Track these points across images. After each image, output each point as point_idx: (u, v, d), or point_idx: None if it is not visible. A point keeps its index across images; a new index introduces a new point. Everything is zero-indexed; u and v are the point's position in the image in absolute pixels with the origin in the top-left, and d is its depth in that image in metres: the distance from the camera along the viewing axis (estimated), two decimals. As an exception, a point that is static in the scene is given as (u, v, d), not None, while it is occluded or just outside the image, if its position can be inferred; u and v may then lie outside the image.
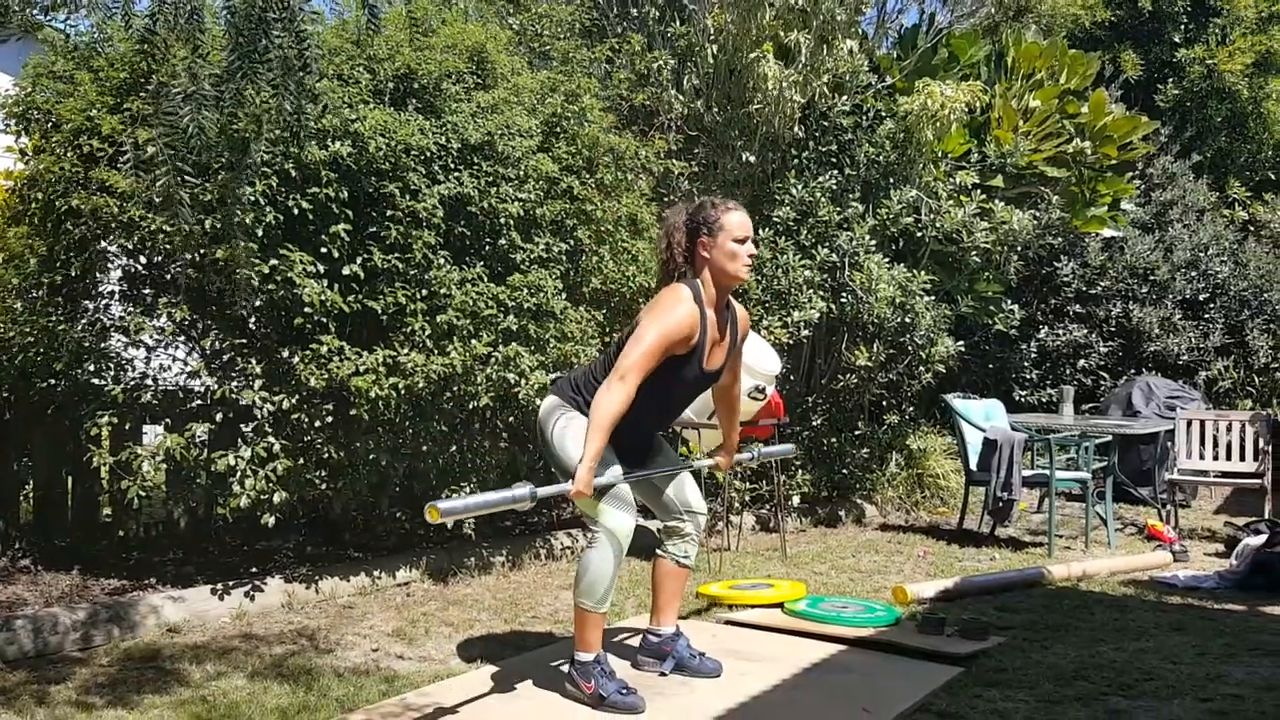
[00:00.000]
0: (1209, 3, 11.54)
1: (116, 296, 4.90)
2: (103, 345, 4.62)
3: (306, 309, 4.36)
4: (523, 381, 4.72)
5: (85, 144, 4.41)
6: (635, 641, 3.74)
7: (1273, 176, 11.38)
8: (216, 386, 4.44)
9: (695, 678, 3.50)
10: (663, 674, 3.50)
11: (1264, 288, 9.43)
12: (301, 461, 4.53)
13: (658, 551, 3.57)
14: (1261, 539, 5.26)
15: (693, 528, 3.52)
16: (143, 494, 4.29)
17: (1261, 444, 7.03)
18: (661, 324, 3.14)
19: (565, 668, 3.34)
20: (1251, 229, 10.25)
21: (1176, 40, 11.60)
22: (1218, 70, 11.02)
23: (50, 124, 4.62)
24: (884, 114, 7.26)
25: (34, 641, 3.68)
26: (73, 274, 4.54)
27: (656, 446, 3.56)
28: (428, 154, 4.73)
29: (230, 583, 4.37)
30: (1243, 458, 7.13)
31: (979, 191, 7.32)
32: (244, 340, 4.61)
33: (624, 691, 3.18)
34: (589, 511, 3.24)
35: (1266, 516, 6.53)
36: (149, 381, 4.73)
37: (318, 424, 4.49)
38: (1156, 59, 11.59)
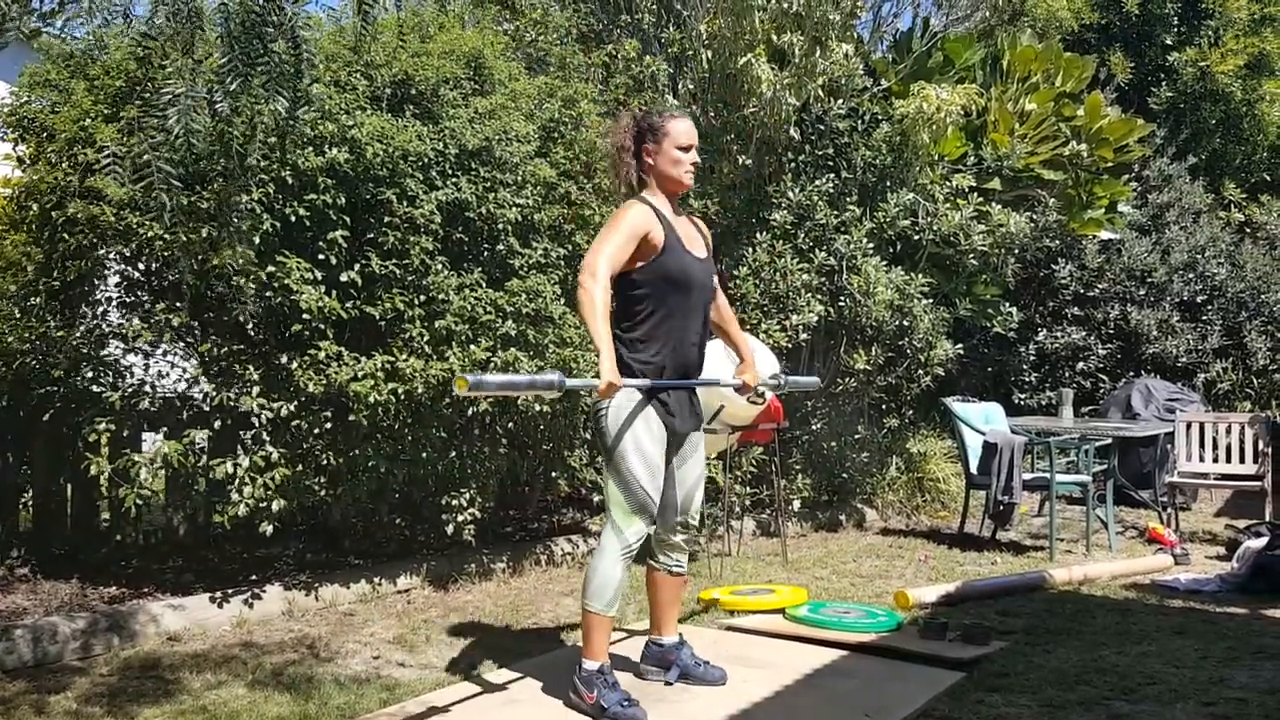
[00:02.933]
0: (1201, 5, 11.56)
1: (114, 303, 4.89)
2: (101, 352, 4.61)
3: (304, 315, 4.35)
4: (522, 387, 4.70)
5: (80, 153, 4.40)
6: (636, 650, 3.72)
7: (1268, 178, 11.40)
8: (215, 393, 4.43)
9: (699, 685, 3.48)
10: (668, 683, 3.48)
11: (1261, 289, 9.44)
12: (300, 468, 4.51)
13: (650, 563, 3.53)
14: (1263, 541, 5.25)
15: (683, 537, 3.49)
16: (141, 501, 4.28)
17: (1261, 446, 7.03)
18: (614, 222, 3.24)
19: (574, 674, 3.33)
20: (1248, 230, 10.27)
21: (1169, 43, 11.62)
22: (1211, 72, 11.04)
23: (45, 134, 4.61)
24: (880, 117, 7.26)
25: (33, 651, 3.66)
26: (70, 281, 4.53)
27: (695, 443, 3.50)
28: (425, 160, 4.72)
29: (230, 591, 4.35)
30: (1242, 460, 7.12)
31: (976, 194, 7.32)
32: (242, 346, 4.60)
33: (625, 704, 3.16)
34: (614, 506, 3.23)
35: (1267, 519, 6.53)
36: (147, 388, 4.72)
37: (316, 430, 4.48)
38: (1149, 62, 11.61)
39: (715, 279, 3.56)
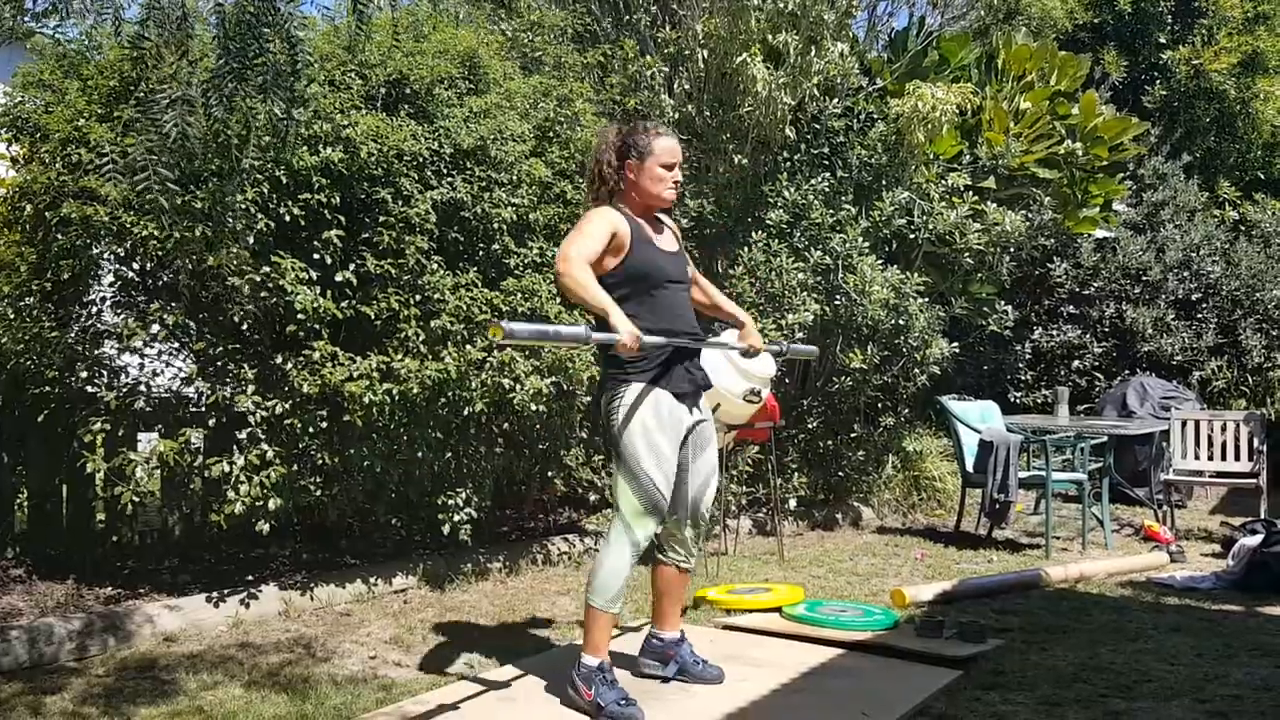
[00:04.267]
0: (1194, 3, 11.57)
1: (109, 303, 4.88)
2: (96, 351, 4.60)
3: (299, 315, 4.35)
4: (518, 386, 4.70)
5: (74, 153, 4.39)
6: (634, 646, 3.72)
7: (1262, 176, 11.41)
8: (210, 393, 4.42)
9: (696, 683, 3.48)
10: (666, 679, 3.49)
11: (1256, 287, 9.45)
12: (296, 468, 4.51)
13: (658, 557, 3.55)
14: (1258, 539, 5.26)
15: (693, 534, 3.50)
16: (137, 500, 4.27)
17: (1256, 443, 7.04)
18: (579, 224, 3.27)
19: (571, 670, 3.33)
20: (1242, 229, 10.28)
21: (1162, 41, 11.63)
22: (1205, 71, 11.05)
23: (39, 134, 4.60)
24: (875, 116, 7.26)
25: (29, 652, 3.65)
26: (64, 280, 4.52)
27: (707, 438, 3.50)
28: (420, 159, 4.72)
29: (226, 591, 4.35)
30: (1237, 457, 7.14)
31: (971, 193, 7.32)
32: (237, 346, 4.60)
33: (623, 702, 3.16)
34: (624, 505, 3.23)
35: (1262, 516, 6.54)
36: (142, 388, 4.71)
37: (311, 430, 4.47)
38: (1143, 60, 11.62)
39: (690, 269, 3.55)
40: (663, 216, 3.53)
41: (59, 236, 4.40)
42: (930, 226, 7.05)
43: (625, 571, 3.22)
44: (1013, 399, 9.37)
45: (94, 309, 4.84)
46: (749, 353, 3.59)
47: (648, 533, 3.25)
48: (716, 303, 3.72)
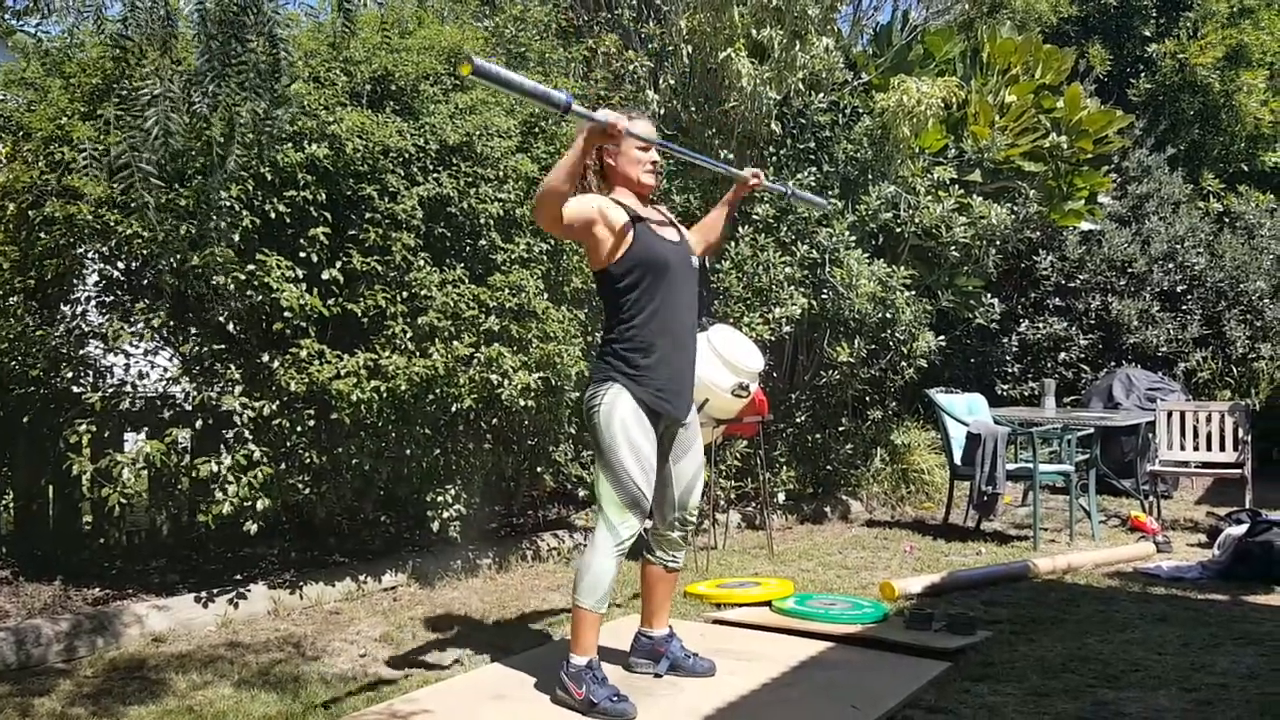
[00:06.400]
0: (1179, -3, 11.63)
1: (93, 303, 4.85)
2: (80, 351, 4.57)
3: (286, 313, 4.33)
4: (506, 382, 4.70)
5: (57, 151, 4.36)
6: (625, 642, 3.72)
7: (1245, 168, 11.45)
8: (196, 392, 4.40)
9: (688, 678, 3.49)
10: (658, 675, 3.49)
11: (1240, 278, 9.50)
12: (284, 467, 4.50)
13: (646, 557, 3.56)
14: (1243, 528, 5.29)
15: (680, 534, 3.51)
16: (124, 502, 4.25)
17: (1240, 434, 7.08)
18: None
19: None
20: (1226, 220, 10.32)
21: (1147, 34, 11.67)
22: (1189, 64, 11.09)
23: (21, 133, 4.57)
24: (861, 111, 7.28)
25: (16, 654, 3.63)
26: (47, 280, 4.50)
27: (692, 437, 3.49)
28: (406, 155, 4.71)
29: (215, 590, 4.33)
30: (1223, 448, 7.18)
31: (957, 186, 7.34)
32: (223, 345, 4.58)
33: (614, 698, 3.16)
34: (606, 504, 3.23)
35: (1247, 506, 6.59)
36: (128, 388, 4.69)
37: (299, 429, 4.46)
38: (1128, 54, 11.66)
39: (695, 259, 3.53)
40: (661, 209, 3.52)
41: (42, 235, 4.38)
42: (916, 220, 7.07)
43: (611, 571, 3.22)
44: (1000, 391, 9.40)
45: (79, 308, 4.82)
46: (750, 183, 3.67)
47: (632, 530, 3.24)
48: (718, 217, 3.74)
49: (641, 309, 3.25)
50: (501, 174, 5.03)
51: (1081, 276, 9.61)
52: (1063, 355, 9.50)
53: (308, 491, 4.62)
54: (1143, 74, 11.48)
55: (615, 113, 3.05)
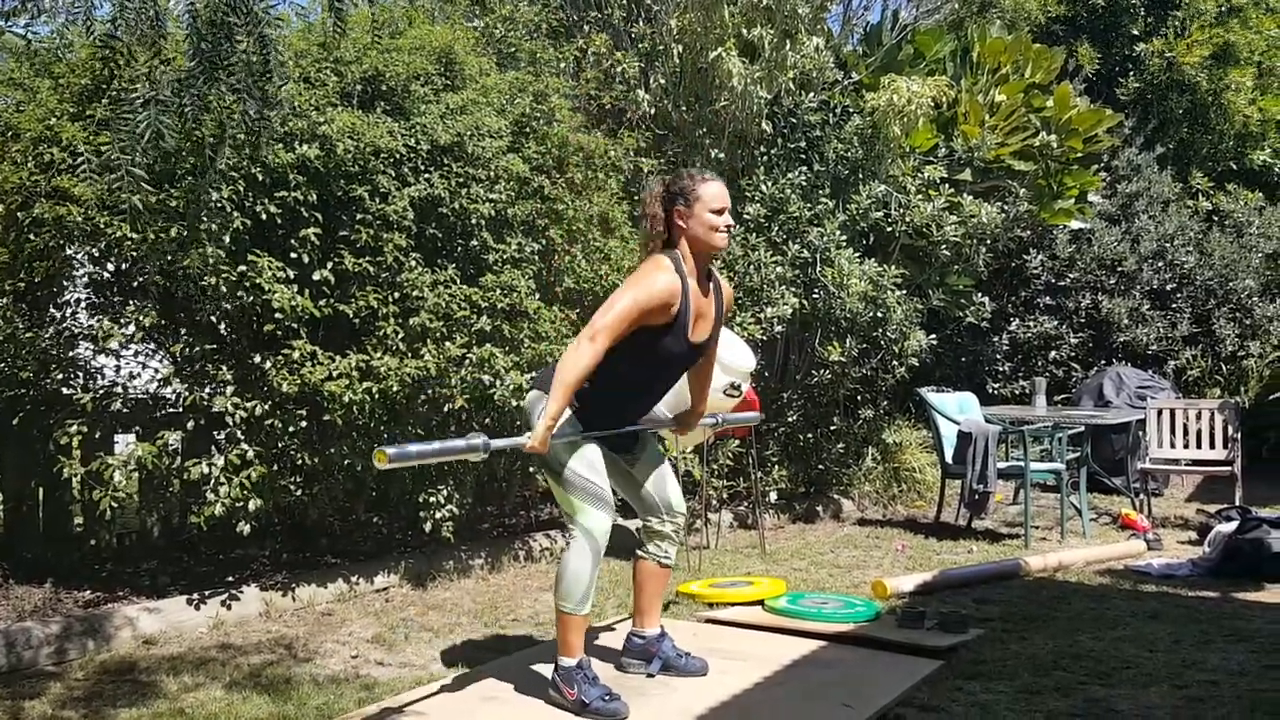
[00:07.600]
0: (1168, -4, 11.67)
1: (84, 304, 4.83)
2: (70, 353, 4.55)
3: (277, 314, 4.32)
4: (498, 382, 4.70)
5: (46, 153, 4.34)
6: (617, 642, 3.73)
7: (1234, 166, 11.49)
8: (188, 394, 4.39)
9: (680, 677, 3.49)
10: (650, 675, 3.49)
11: (1229, 276, 9.53)
12: (275, 468, 4.49)
13: (638, 553, 3.56)
14: (1233, 525, 5.31)
15: (673, 528, 3.51)
16: (115, 504, 4.23)
17: (1230, 431, 7.11)
18: (638, 289, 3.13)
19: (549, 673, 3.32)
20: (1215, 219, 10.36)
21: (1135, 34, 11.71)
22: (1177, 63, 11.12)
23: (10, 133, 4.55)
24: (851, 110, 7.28)
25: (7, 656, 3.62)
26: (37, 281, 4.48)
27: (642, 442, 3.54)
28: (397, 156, 4.70)
29: (206, 592, 4.32)
30: (1213, 445, 7.20)
31: (947, 186, 7.35)
32: (215, 346, 4.57)
33: (607, 698, 3.16)
34: (567, 509, 3.24)
35: (1237, 503, 6.61)
36: (119, 389, 4.67)
37: (291, 430, 4.45)
38: (1116, 53, 11.69)
39: (711, 350, 3.50)
40: (720, 278, 3.45)
41: (31, 237, 4.36)
42: (907, 219, 7.08)
43: (588, 571, 3.19)
44: (990, 390, 9.42)
45: (69, 310, 4.80)
46: (675, 433, 3.75)
47: (604, 527, 3.22)
48: (701, 387, 3.63)
49: (610, 381, 3.19)
50: (493, 174, 5.02)
51: (1071, 275, 9.64)
52: (1053, 354, 9.53)
53: (300, 493, 4.61)
54: (1131, 73, 11.51)
55: (546, 429, 3.02)
